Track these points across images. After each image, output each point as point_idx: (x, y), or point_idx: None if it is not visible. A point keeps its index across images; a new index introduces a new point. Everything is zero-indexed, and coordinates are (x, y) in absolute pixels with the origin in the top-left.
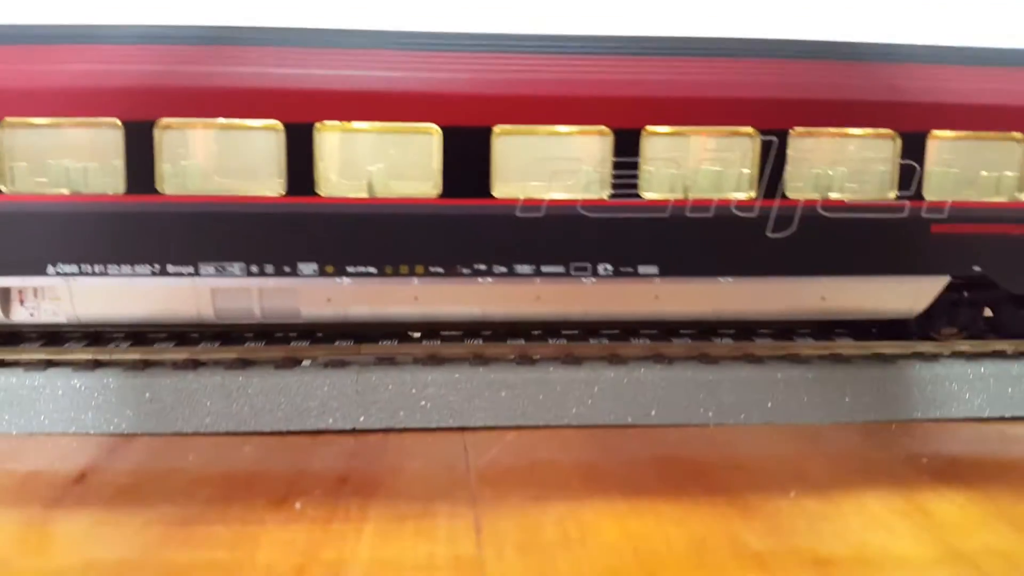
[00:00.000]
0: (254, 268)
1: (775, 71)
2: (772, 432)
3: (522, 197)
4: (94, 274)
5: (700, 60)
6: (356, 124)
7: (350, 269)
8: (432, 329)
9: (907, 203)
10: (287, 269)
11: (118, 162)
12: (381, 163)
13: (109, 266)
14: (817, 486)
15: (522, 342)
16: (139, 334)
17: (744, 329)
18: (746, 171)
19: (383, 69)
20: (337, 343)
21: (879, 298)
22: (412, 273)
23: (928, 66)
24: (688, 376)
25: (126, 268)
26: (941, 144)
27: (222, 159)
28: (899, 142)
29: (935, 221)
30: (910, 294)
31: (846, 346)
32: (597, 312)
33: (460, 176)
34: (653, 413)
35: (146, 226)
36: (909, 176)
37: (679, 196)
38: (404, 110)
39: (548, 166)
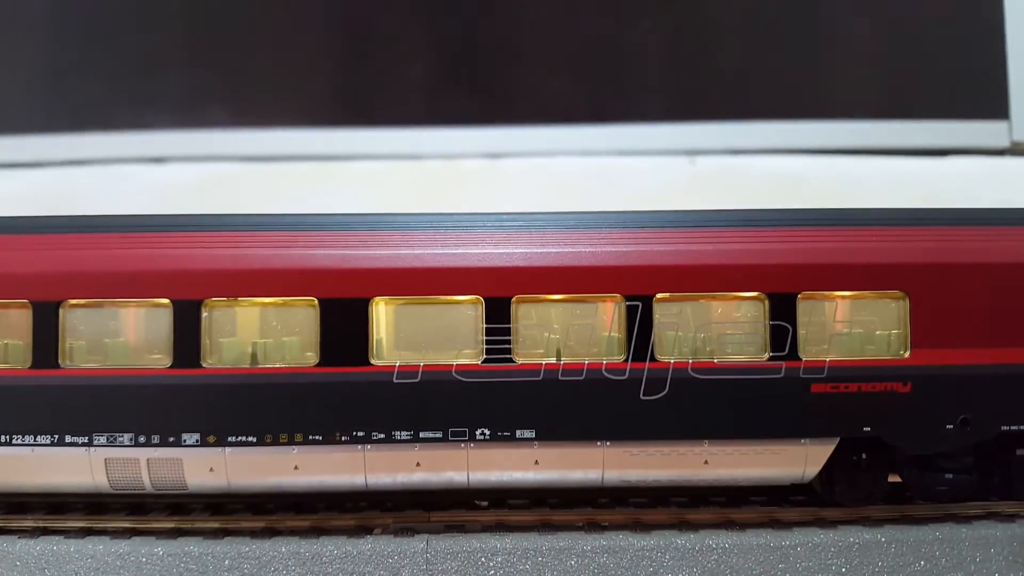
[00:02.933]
0: (142, 438)
1: (638, 240)
2: None
3: (398, 363)
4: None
5: (565, 232)
6: (242, 299)
7: (231, 439)
8: (500, 497)
9: (783, 363)
10: (171, 439)
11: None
12: (267, 335)
13: (13, 436)
14: None
15: (590, 509)
16: (218, 505)
17: (816, 494)
18: (614, 335)
19: (268, 248)
20: (406, 511)
21: (765, 462)
22: (292, 442)
23: (798, 228)
24: (761, 542)
25: (28, 438)
26: (814, 304)
27: (118, 335)
28: (767, 303)
29: (815, 381)
30: (797, 458)
31: (922, 508)
32: (479, 479)
33: (338, 345)
34: None
35: (47, 397)
36: (782, 337)
37: (551, 360)
38: (286, 286)
39: (425, 333)
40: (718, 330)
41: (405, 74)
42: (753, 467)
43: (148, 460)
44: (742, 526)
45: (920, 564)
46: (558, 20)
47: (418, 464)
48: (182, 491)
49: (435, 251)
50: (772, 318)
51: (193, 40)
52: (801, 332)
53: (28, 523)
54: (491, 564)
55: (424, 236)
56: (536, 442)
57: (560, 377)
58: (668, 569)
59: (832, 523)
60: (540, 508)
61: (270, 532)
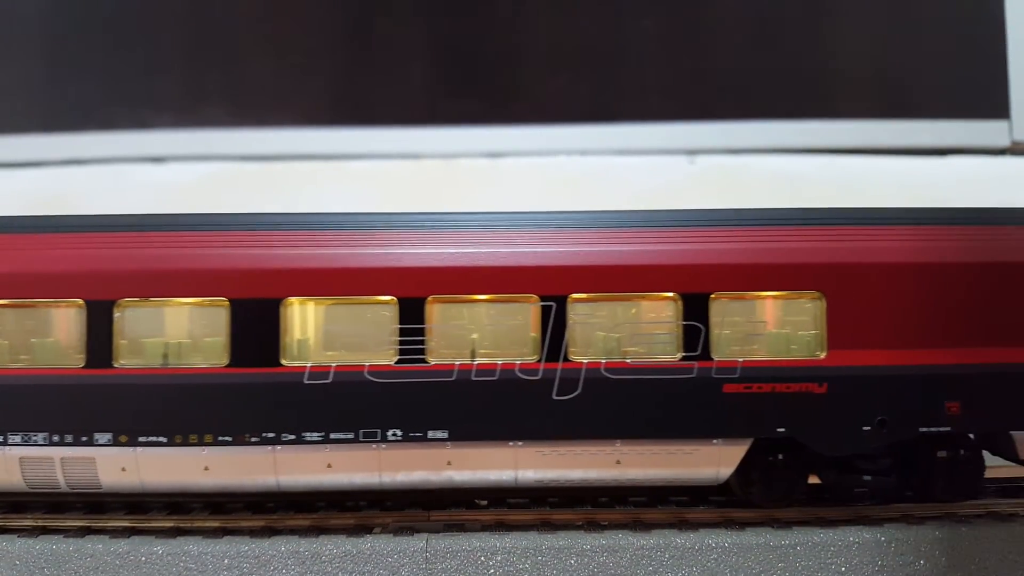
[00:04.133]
0: (56, 437)
1: (554, 240)
2: None
3: (309, 364)
4: None
5: (481, 232)
6: (153, 299)
7: (141, 439)
8: (499, 496)
9: (695, 364)
10: (84, 439)
11: None
12: (178, 336)
13: None
14: None
15: (589, 508)
16: (217, 504)
17: (813, 492)
18: (528, 335)
19: (181, 248)
20: (406, 510)
21: (677, 463)
22: (201, 442)
23: (713, 229)
24: (761, 541)
25: None
26: (727, 304)
27: (33, 336)
28: (681, 304)
29: (728, 381)
30: (710, 459)
31: (921, 507)
32: (391, 480)
33: (249, 345)
34: None
35: None
36: (695, 337)
37: (465, 360)
38: (198, 286)
39: (336, 333)
40: (631, 330)
41: (405, 73)
42: (665, 467)
43: (62, 459)
44: (742, 525)
45: (920, 563)
46: (557, 19)
47: (329, 465)
48: (96, 490)
49: (349, 251)
50: (685, 318)
51: (193, 40)
52: (714, 332)
53: (27, 522)
54: (491, 563)
55: (338, 236)
56: (449, 443)
57: (473, 377)
58: (668, 568)
59: (832, 522)
60: (540, 507)
61: (269, 531)
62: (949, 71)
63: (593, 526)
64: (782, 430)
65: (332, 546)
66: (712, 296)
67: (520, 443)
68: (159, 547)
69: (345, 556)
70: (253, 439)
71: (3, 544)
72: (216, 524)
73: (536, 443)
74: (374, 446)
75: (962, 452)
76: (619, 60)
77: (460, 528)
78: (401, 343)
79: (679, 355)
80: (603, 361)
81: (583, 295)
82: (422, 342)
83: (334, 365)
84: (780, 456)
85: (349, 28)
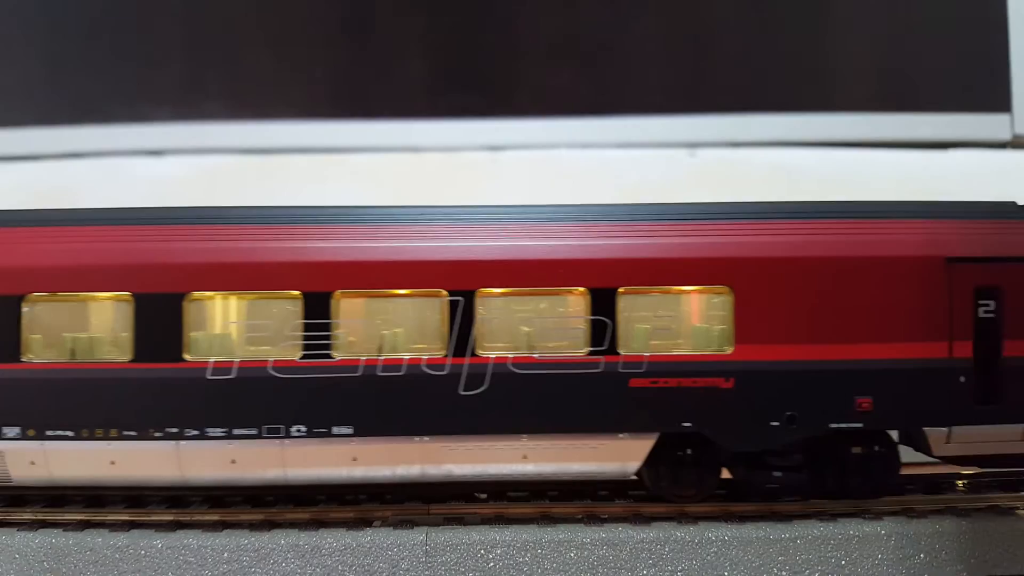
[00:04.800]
0: None
1: (463, 235)
2: None
3: (212, 359)
4: None
5: (389, 227)
6: (61, 294)
7: (49, 432)
8: (499, 489)
9: (602, 358)
10: None
11: None
12: (86, 330)
13: None
14: None
15: (588, 502)
16: (217, 497)
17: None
18: (436, 330)
19: (86, 243)
20: (406, 504)
21: (583, 457)
22: (107, 437)
23: (622, 223)
24: (761, 535)
25: None
26: (636, 299)
27: None
28: (589, 298)
29: (633, 376)
30: (616, 453)
31: (922, 501)
32: (296, 476)
33: (152, 340)
34: (726, 573)
35: None
36: (602, 331)
37: (371, 356)
38: (104, 280)
39: (240, 329)
40: (539, 325)
41: (404, 67)
42: (572, 462)
43: None
44: (742, 518)
45: (920, 557)
46: (558, 12)
47: (233, 461)
48: (7, 483)
49: (253, 245)
50: (593, 313)
51: (191, 33)
52: (621, 327)
53: (27, 516)
54: (490, 556)
55: (242, 231)
56: (354, 438)
57: (379, 373)
58: (668, 561)
59: (832, 516)
60: (539, 501)
61: (269, 525)
62: (951, 64)
63: (593, 519)
64: (688, 425)
65: (332, 539)
66: (620, 291)
67: (427, 438)
68: (158, 540)
69: (345, 549)
70: (157, 434)
71: (3, 538)
72: (215, 517)
73: (442, 438)
74: (278, 442)
75: (876, 448)
76: (620, 53)
77: (460, 521)
78: (306, 338)
79: (586, 350)
80: (510, 356)
81: (492, 290)
82: (328, 337)
83: (237, 360)
84: (688, 451)
85: (348, 21)
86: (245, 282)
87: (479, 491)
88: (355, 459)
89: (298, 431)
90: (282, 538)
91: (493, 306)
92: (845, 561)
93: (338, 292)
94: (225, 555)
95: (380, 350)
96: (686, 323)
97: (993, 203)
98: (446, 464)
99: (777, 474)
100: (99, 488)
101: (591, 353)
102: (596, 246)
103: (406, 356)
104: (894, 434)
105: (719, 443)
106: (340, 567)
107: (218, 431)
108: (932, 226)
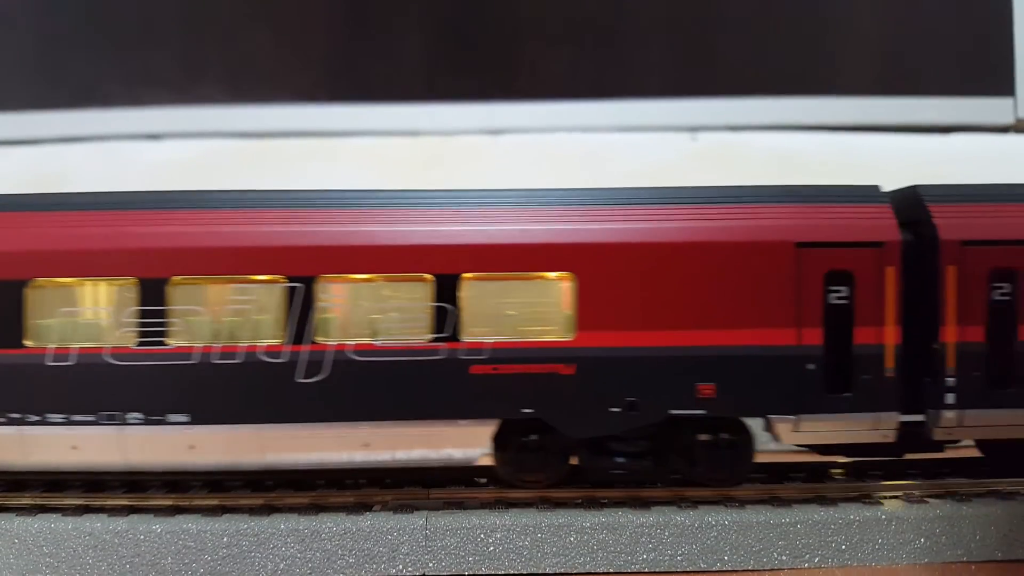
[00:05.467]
0: None
1: (303, 220)
2: (847, 575)
3: (52, 346)
4: None
5: (226, 212)
6: None
7: None
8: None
9: (444, 345)
10: None
11: None
12: None
13: None
14: None
15: (588, 486)
16: (216, 482)
17: (815, 471)
18: (273, 317)
19: None
20: (406, 488)
21: (425, 443)
22: None
23: (464, 209)
24: (761, 519)
25: None
26: (480, 285)
27: None
28: (434, 285)
29: (475, 362)
30: (457, 439)
31: (922, 486)
32: (138, 462)
33: None
34: (726, 558)
35: None
36: (444, 318)
37: (207, 343)
38: None
39: (79, 315)
40: (382, 312)
41: (403, 50)
42: (415, 448)
43: None
44: (742, 503)
45: (920, 542)
46: None
47: (74, 447)
48: None
49: (89, 231)
50: (437, 299)
51: (189, 16)
52: (464, 314)
53: (26, 501)
54: (490, 540)
55: (82, 216)
56: (191, 426)
57: (216, 360)
58: (668, 546)
59: (832, 501)
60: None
61: (269, 509)
62: (954, 47)
63: (593, 504)
64: (530, 411)
65: (332, 524)
66: (463, 277)
67: (265, 426)
68: (157, 525)
69: (345, 534)
70: (1, 420)
71: (2, 523)
72: (215, 502)
73: (281, 426)
74: (116, 429)
75: (723, 437)
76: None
77: (460, 506)
78: (142, 325)
79: (429, 337)
80: (350, 343)
81: (331, 276)
82: (164, 325)
83: (76, 347)
84: (533, 437)
85: (347, 4)
86: (84, 269)
87: (479, 476)
88: (192, 447)
89: (134, 418)
90: (282, 523)
91: (334, 293)
92: (846, 546)
93: (175, 278)
94: (225, 540)
95: (217, 337)
96: (529, 309)
97: (851, 187)
98: (287, 452)
99: (619, 459)
100: (98, 472)
101: (433, 340)
102: (440, 232)
103: (243, 343)
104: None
105: (560, 429)
106: (340, 551)
107: (58, 417)
108: (782, 211)
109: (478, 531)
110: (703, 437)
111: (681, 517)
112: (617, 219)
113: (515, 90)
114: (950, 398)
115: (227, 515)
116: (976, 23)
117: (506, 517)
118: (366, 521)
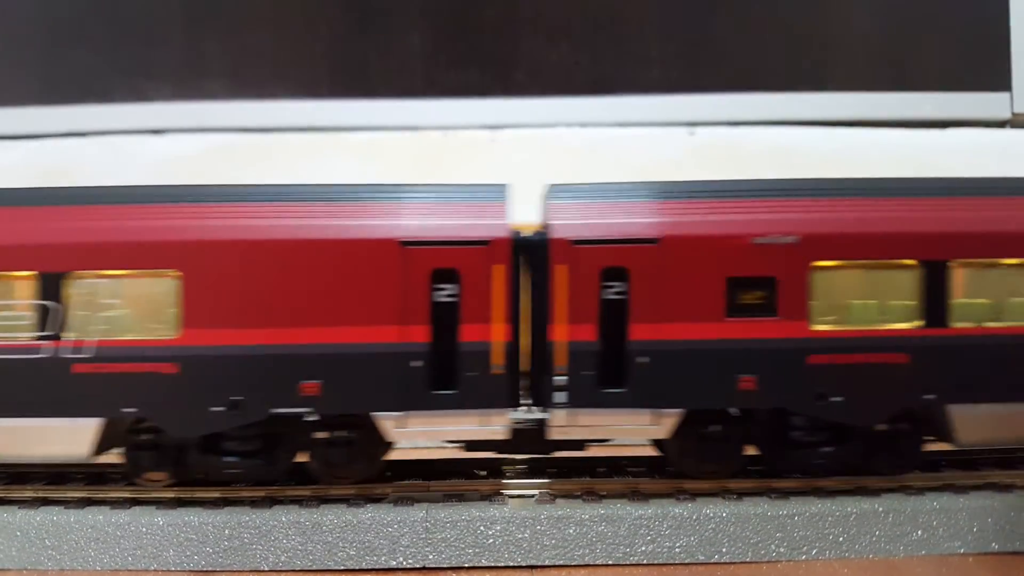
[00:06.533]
0: None
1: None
2: (845, 567)
3: None
4: None
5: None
6: None
7: None
8: (497, 467)
9: (47, 343)
10: None
11: None
12: None
13: None
14: None
15: (587, 478)
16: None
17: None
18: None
19: None
20: (407, 480)
21: (28, 441)
22: None
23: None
24: (758, 511)
25: None
26: (86, 283)
27: None
28: (40, 282)
29: (77, 361)
30: (62, 437)
31: (920, 478)
32: None
33: None
34: (724, 549)
35: None
36: (47, 316)
37: None
38: None
39: None
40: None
41: (404, 45)
42: (17, 447)
43: None
44: (739, 495)
45: (917, 534)
46: None
47: None
48: None
49: None
50: (41, 298)
51: (192, 11)
52: (69, 312)
53: (28, 493)
54: (490, 533)
55: None
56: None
57: None
58: (666, 538)
59: (830, 493)
60: (538, 476)
61: (270, 501)
62: (951, 42)
63: (591, 496)
64: (133, 410)
65: (333, 516)
66: (68, 275)
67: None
68: (160, 518)
69: (346, 526)
70: None
71: (4, 515)
72: (217, 495)
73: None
74: None
75: (345, 434)
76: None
77: (459, 498)
78: None
79: (33, 335)
80: None
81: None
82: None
83: None
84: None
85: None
86: None
87: (478, 468)
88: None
89: None
90: (283, 515)
91: None
92: (843, 538)
93: None
94: (227, 532)
95: None
96: (137, 307)
97: (473, 185)
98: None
99: (229, 459)
100: (101, 465)
101: (38, 339)
102: (46, 228)
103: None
104: None
105: (164, 428)
106: (341, 543)
107: None
108: (388, 208)
109: (478, 523)
110: (320, 435)
111: (679, 509)
112: (224, 217)
113: (514, 86)
114: (561, 397)
115: (229, 507)
116: (973, 18)
117: (505, 510)
118: (367, 513)
